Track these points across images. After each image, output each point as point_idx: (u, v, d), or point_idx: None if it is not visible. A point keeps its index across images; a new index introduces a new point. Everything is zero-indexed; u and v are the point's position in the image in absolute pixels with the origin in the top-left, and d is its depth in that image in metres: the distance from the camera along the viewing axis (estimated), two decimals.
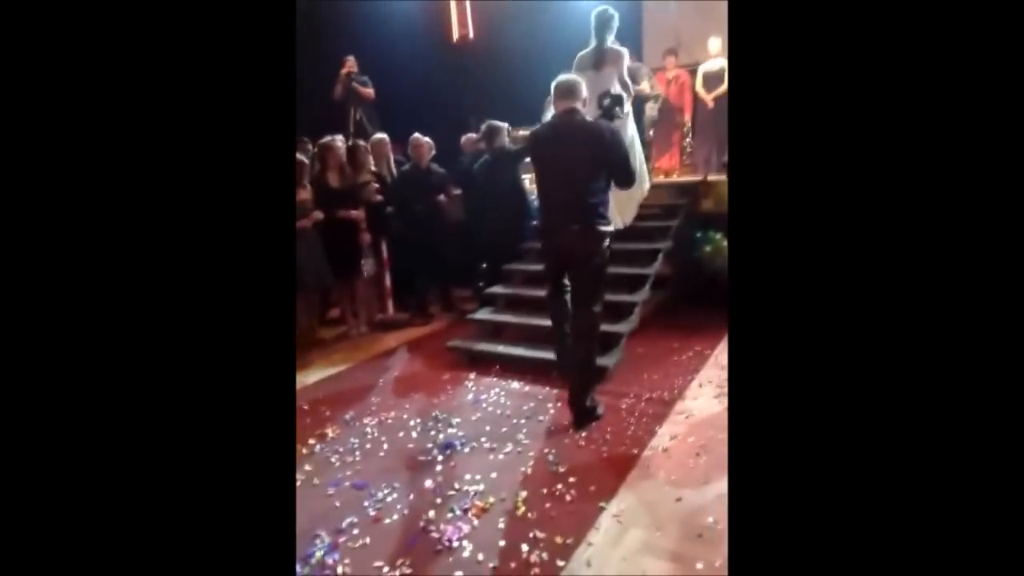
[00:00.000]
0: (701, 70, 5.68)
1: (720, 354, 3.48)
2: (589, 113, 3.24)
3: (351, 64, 5.78)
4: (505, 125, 4.59)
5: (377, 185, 4.56)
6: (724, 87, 5.52)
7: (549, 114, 3.24)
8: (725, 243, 4.13)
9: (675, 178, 5.46)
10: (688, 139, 6.02)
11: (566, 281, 2.83)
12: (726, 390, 2.96)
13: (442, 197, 4.65)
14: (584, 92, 2.72)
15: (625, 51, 3.90)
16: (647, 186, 4.12)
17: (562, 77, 2.73)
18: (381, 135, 4.95)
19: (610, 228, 2.71)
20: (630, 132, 3.91)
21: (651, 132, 5.66)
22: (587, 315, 2.71)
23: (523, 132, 6.66)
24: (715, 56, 5.63)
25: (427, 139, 4.68)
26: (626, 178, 2.72)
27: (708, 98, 5.59)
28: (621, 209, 3.84)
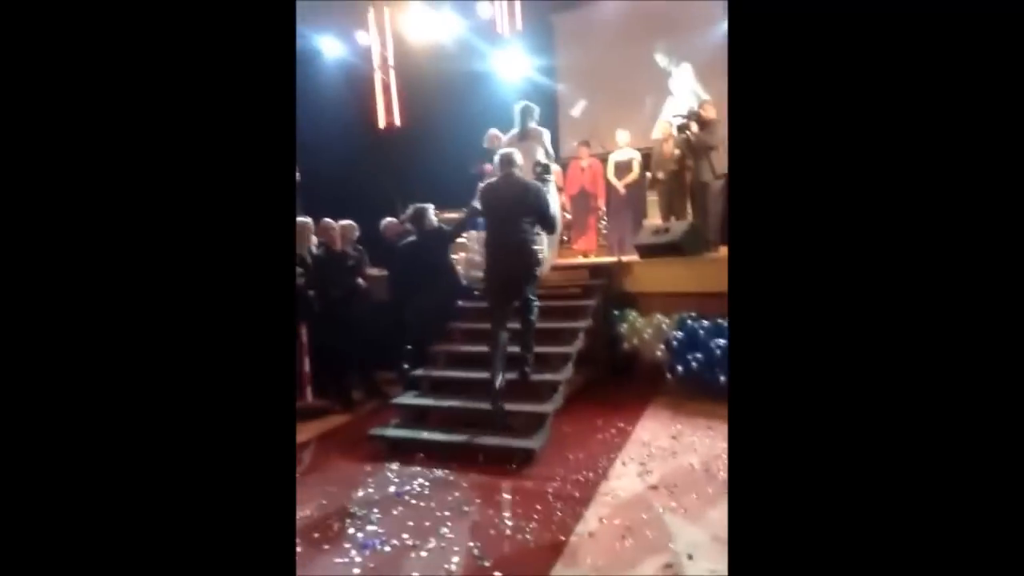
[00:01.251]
0: (612, 159, 6.15)
1: (640, 430, 3.57)
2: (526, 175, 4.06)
3: None
4: (430, 207, 4.72)
5: (300, 269, 4.49)
6: (634, 175, 5.99)
7: (491, 178, 4.03)
8: (641, 321, 4.33)
9: (592, 259, 5.74)
10: (603, 222, 6.39)
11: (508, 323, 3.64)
12: (648, 468, 3.02)
13: (360, 280, 4.63)
14: (519, 160, 3.72)
15: (545, 130, 4.63)
16: (559, 229, 5.05)
17: (504, 150, 3.78)
18: (303, 219, 4.94)
19: (542, 249, 3.78)
20: (553, 191, 4.58)
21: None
22: (529, 320, 3.68)
23: (449, 215, 6.89)
24: (623, 147, 6.14)
25: (344, 223, 4.75)
26: (549, 224, 3.77)
27: (619, 185, 6.03)
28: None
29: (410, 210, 4.70)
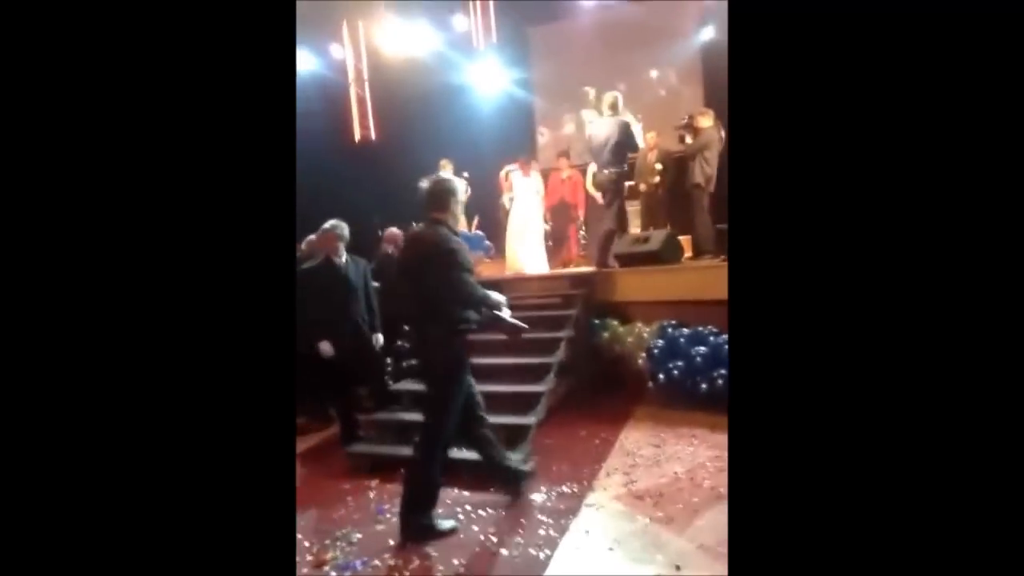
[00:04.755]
0: (591, 170, 6.18)
1: (624, 440, 3.54)
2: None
3: None
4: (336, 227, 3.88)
5: None
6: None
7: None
8: (622, 329, 4.32)
9: (572, 269, 5.73)
10: (582, 232, 6.41)
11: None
12: (633, 477, 2.99)
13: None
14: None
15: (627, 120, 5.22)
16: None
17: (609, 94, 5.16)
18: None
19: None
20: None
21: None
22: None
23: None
24: None
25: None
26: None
27: (598, 195, 6.05)
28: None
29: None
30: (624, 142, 5.10)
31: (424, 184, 2.67)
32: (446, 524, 2.59)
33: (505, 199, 6.20)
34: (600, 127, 5.23)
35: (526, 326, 2.80)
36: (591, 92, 5.67)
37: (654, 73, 7.40)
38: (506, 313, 2.70)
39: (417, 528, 2.52)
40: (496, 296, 2.68)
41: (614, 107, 5.19)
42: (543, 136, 8.09)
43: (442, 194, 2.62)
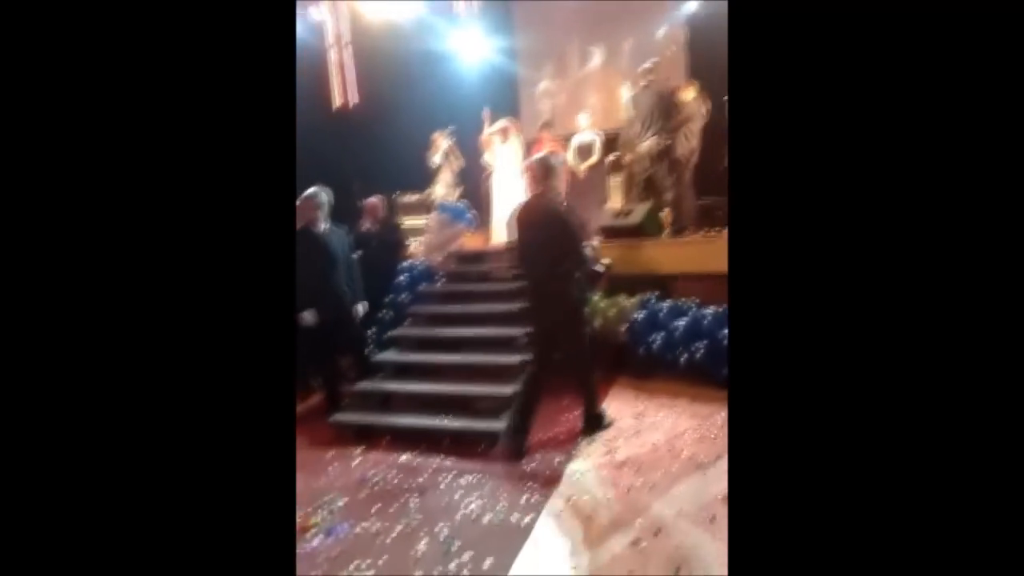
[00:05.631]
0: (574, 142, 6.14)
1: (606, 410, 3.59)
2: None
3: None
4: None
5: None
6: (594, 158, 6.00)
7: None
8: (604, 303, 4.36)
9: None
10: (564, 204, 6.38)
11: None
12: (613, 447, 3.06)
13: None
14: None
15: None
16: None
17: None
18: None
19: None
20: None
21: None
22: None
23: (408, 198, 6.76)
24: (585, 130, 6.13)
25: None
26: None
27: (579, 168, 6.03)
28: None
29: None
30: (670, 109, 5.12)
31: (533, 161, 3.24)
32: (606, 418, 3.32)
33: (487, 157, 6.09)
34: (642, 97, 5.23)
35: (606, 267, 3.64)
36: (596, 53, 5.55)
37: (637, 45, 7.30)
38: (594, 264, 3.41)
39: (595, 421, 3.27)
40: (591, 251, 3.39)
41: (651, 75, 5.16)
42: (533, 98, 7.97)
43: (547, 169, 3.14)
